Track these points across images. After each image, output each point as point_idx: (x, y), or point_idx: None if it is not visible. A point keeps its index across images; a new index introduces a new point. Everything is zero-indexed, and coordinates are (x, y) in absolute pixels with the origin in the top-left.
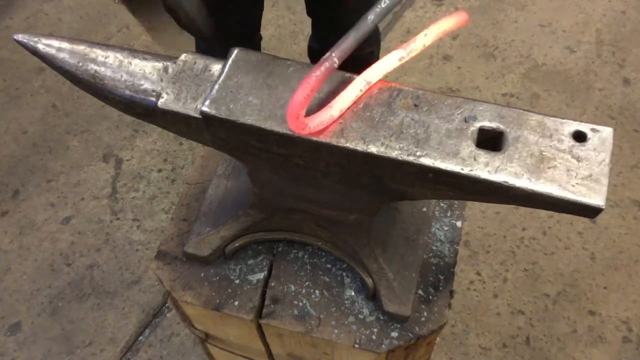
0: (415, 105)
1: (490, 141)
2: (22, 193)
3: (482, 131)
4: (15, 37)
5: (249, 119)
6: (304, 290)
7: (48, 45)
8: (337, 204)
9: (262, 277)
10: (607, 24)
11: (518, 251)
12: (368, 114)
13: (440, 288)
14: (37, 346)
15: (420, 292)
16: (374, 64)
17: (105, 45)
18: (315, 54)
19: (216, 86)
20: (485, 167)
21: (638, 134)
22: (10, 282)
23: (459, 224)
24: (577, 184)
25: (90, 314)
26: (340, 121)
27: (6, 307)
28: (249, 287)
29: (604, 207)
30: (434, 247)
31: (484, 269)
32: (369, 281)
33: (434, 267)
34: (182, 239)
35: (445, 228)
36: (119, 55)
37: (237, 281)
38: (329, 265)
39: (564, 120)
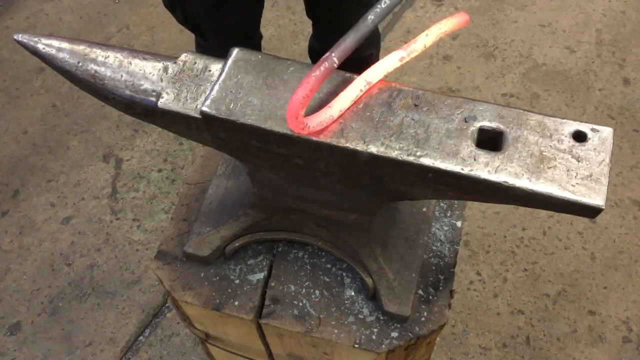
0: (415, 105)
1: (490, 141)
2: (22, 193)
3: (482, 131)
4: (15, 37)
5: (249, 119)
6: (304, 290)
7: (48, 45)
8: (337, 204)
9: (262, 277)
10: (607, 24)
11: (518, 251)
12: (368, 114)
13: (440, 288)
14: (37, 346)
15: (420, 292)
16: (375, 64)
17: (105, 45)
18: (316, 53)
19: (216, 86)
20: (485, 167)
21: (638, 134)
22: (10, 282)
23: (459, 224)
24: (577, 184)
25: (90, 314)
26: (340, 121)
27: (6, 307)
28: (249, 287)
29: (604, 207)
30: (434, 247)
31: (484, 269)
32: (369, 281)
33: (434, 267)
34: (182, 239)
35: (445, 228)
36: (119, 55)
37: (237, 281)
38: (329, 265)
39: (564, 120)
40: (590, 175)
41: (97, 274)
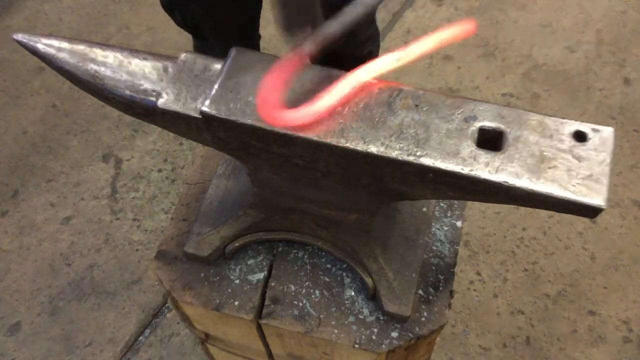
0: (416, 105)
1: (491, 141)
2: (22, 193)
3: (482, 131)
4: (15, 37)
5: (249, 119)
6: (304, 290)
7: (48, 45)
8: (337, 204)
9: (262, 277)
10: (607, 24)
11: (518, 251)
12: (368, 114)
13: (440, 288)
14: (37, 346)
15: (420, 292)
16: (368, 63)
17: (105, 45)
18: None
19: (216, 86)
20: (486, 167)
21: (638, 134)
22: (10, 282)
23: (459, 224)
24: (577, 184)
25: (90, 314)
26: (341, 121)
27: (6, 307)
28: (249, 287)
29: (604, 207)
30: (434, 247)
31: (484, 269)
32: (369, 281)
33: (434, 267)
34: (182, 239)
35: (445, 228)
36: (119, 55)
37: (237, 281)
38: (329, 265)
39: (565, 120)
40: (591, 175)
41: (97, 274)
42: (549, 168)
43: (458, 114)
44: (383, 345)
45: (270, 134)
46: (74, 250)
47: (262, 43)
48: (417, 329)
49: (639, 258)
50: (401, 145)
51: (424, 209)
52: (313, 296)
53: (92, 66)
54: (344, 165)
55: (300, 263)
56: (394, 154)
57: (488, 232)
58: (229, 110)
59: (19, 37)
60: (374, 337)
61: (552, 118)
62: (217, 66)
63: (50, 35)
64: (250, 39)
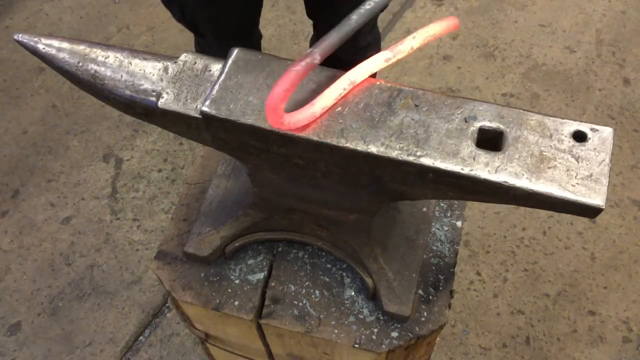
0: (416, 105)
1: (490, 141)
2: (22, 193)
3: (482, 131)
4: (15, 37)
5: (249, 119)
6: (304, 290)
7: (48, 45)
8: (337, 204)
9: (262, 277)
10: (607, 24)
11: (518, 251)
12: (368, 114)
13: (440, 288)
14: (37, 346)
15: (420, 292)
16: (360, 64)
17: (105, 45)
18: None
19: (216, 86)
20: (485, 167)
21: (638, 134)
22: (10, 282)
23: (459, 224)
24: (577, 184)
25: (90, 314)
26: (341, 121)
27: (6, 307)
28: (249, 287)
29: (604, 207)
30: (434, 247)
31: (484, 269)
32: (369, 281)
33: (434, 267)
34: (182, 239)
35: (445, 228)
36: (119, 55)
37: (237, 281)
38: (329, 265)
39: (564, 120)
40: (590, 175)
41: (97, 274)
42: (549, 168)
43: (458, 114)
44: (383, 345)
45: (270, 134)
46: (74, 250)
47: (262, 43)
48: (417, 329)
49: (639, 258)
50: (401, 145)
51: (424, 209)
52: (313, 296)
53: (92, 66)
54: (344, 165)
55: (300, 263)
56: (394, 154)
57: (488, 232)
58: (229, 111)
59: (19, 37)
60: (374, 337)
61: (552, 118)
62: (218, 66)
63: (50, 35)
64: (248, 38)
